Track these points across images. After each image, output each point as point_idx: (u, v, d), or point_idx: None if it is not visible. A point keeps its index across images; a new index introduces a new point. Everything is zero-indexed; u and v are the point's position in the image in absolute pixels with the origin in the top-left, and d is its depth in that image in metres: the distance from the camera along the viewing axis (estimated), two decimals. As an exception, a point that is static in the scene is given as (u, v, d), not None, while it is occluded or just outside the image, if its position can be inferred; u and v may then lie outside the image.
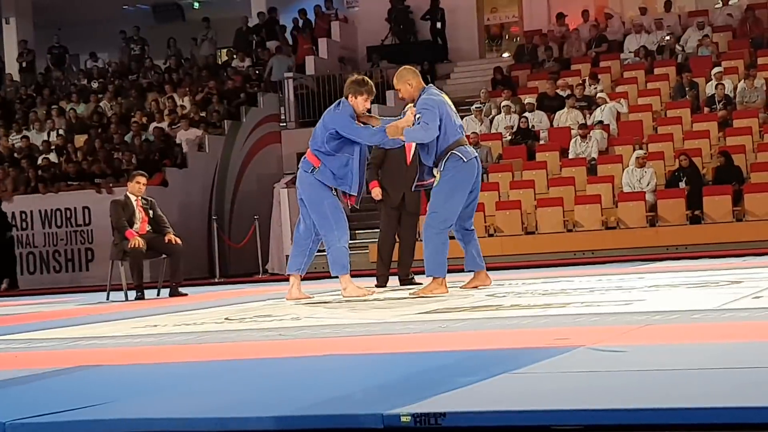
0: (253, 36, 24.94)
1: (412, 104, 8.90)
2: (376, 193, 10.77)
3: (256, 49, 24.65)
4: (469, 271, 9.27)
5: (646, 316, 5.88)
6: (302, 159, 9.30)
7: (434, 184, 8.82)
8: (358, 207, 9.45)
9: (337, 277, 9.23)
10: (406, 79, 8.86)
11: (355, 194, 8.97)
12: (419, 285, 9.78)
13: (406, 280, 10.62)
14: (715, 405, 3.09)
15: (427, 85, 9.02)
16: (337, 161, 8.91)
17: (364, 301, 8.75)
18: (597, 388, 3.58)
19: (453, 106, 8.95)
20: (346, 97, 8.93)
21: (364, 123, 8.92)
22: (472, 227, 9.12)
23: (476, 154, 8.93)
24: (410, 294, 8.96)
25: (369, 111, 9.09)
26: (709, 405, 3.10)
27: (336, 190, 9.09)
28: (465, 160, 8.68)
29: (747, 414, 3.02)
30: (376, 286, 10.48)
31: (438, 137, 8.65)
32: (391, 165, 10.64)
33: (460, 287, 9.13)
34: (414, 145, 9.58)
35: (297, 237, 9.42)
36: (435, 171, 8.84)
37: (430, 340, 5.55)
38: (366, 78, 9.11)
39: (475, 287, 9.10)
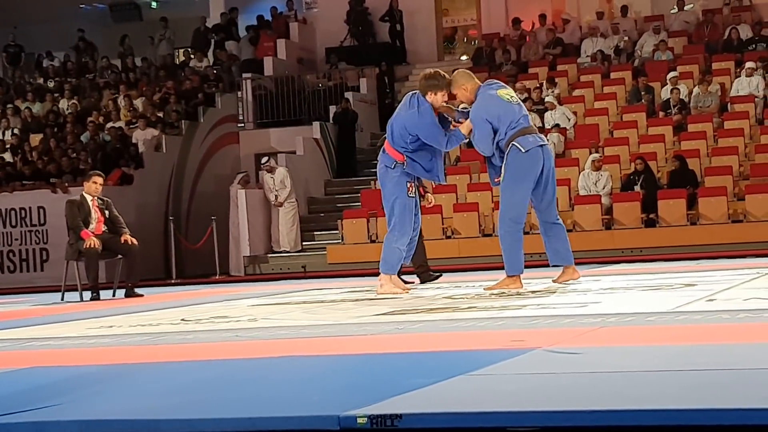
0: (213, 35, 24.84)
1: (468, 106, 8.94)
2: None
3: (215, 49, 24.57)
4: (555, 266, 9.12)
5: (601, 318, 5.92)
6: (381, 153, 9.28)
7: (501, 182, 8.74)
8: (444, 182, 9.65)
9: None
10: (461, 84, 8.86)
11: (444, 182, 9.28)
12: (411, 284, 10.02)
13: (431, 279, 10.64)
14: (669, 407, 3.12)
15: (482, 84, 8.91)
16: (424, 157, 9.00)
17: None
18: (553, 389, 3.60)
19: (513, 96, 8.86)
20: (424, 95, 8.91)
21: (442, 115, 8.95)
22: (557, 220, 8.91)
23: (542, 143, 8.75)
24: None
25: (446, 103, 9.09)
26: (663, 407, 3.12)
27: (416, 187, 9.14)
28: (523, 150, 8.54)
29: (700, 416, 3.04)
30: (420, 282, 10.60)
31: (496, 134, 8.62)
32: None
33: (552, 281, 9.01)
34: None
35: None
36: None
37: (386, 341, 5.55)
38: (439, 71, 9.05)
39: (564, 281, 8.93)
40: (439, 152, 9.09)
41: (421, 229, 9.98)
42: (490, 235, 17.41)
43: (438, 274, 10.91)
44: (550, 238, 8.90)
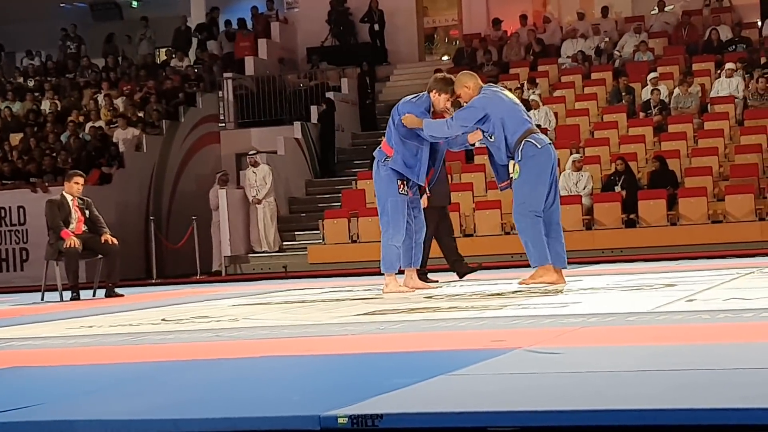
0: (198, 34, 24.79)
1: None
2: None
3: (197, 48, 24.51)
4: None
5: (581, 318, 5.93)
6: (377, 150, 9.39)
7: (514, 177, 8.80)
8: (428, 194, 9.56)
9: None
10: (463, 83, 8.99)
11: (423, 184, 9.18)
12: (435, 282, 10.07)
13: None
14: (649, 407, 3.13)
15: (484, 85, 9.06)
16: (408, 150, 9.06)
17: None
18: (533, 389, 3.60)
19: (516, 100, 9.02)
20: (429, 92, 9.08)
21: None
22: (559, 222, 8.98)
23: (549, 142, 8.90)
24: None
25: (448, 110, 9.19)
26: (643, 407, 3.13)
27: (406, 185, 9.17)
28: (539, 146, 8.68)
29: (680, 416, 3.05)
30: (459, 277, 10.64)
31: (505, 132, 8.69)
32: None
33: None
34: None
35: None
36: (511, 164, 8.84)
37: (367, 341, 5.55)
38: (452, 77, 9.24)
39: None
40: (425, 152, 9.10)
41: (450, 226, 10.13)
42: (472, 236, 17.46)
43: (476, 265, 10.83)
44: (551, 240, 8.94)
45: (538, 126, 19.05)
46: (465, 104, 9.05)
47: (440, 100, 9.05)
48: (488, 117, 8.74)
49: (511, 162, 8.85)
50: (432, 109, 9.09)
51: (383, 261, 9.22)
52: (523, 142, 8.67)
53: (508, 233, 17.15)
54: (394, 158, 9.08)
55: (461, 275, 10.68)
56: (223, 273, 19.03)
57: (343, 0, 24.29)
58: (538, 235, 8.71)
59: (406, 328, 6.06)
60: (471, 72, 9.29)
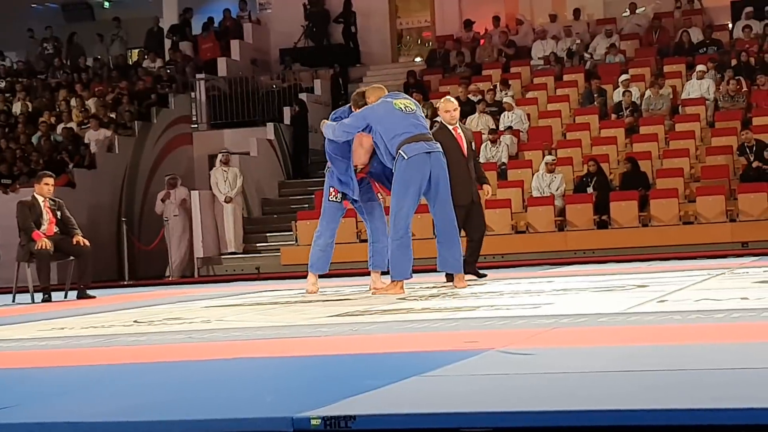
0: (173, 36, 24.70)
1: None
2: None
3: (170, 49, 24.43)
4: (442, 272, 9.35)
5: (554, 319, 5.95)
6: None
7: None
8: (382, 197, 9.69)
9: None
10: (368, 95, 9.27)
11: (357, 198, 9.39)
12: (484, 276, 10.35)
13: (473, 274, 10.58)
14: (621, 407, 3.14)
15: (387, 94, 9.27)
16: (338, 167, 9.36)
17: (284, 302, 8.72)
18: (506, 390, 3.61)
19: (409, 107, 9.04)
20: (350, 108, 9.47)
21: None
22: (446, 227, 9.06)
23: (429, 150, 8.87)
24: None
25: None
26: (615, 407, 3.15)
27: (342, 193, 9.46)
28: (406, 157, 8.75)
29: (652, 416, 3.07)
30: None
31: (384, 141, 8.83)
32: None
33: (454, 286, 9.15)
34: (464, 137, 10.18)
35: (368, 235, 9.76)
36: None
37: (340, 343, 5.55)
38: (364, 91, 9.51)
39: (454, 288, 9.10)
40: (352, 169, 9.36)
41: (475, 225, 10.31)
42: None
43: (483, 274, 10.86)
44: (440, 246, 9.11)
45: (510, 128, 19.27)
46: None
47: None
48: (369, 126, 8.95)
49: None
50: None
51: (310, 260, 9.65)
52: (397, 154, 8.82)
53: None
54: (329, 174, 9.51)
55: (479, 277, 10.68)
56: (196, 274, 18.97)
57: (317, 1, 24.27)
58: (403, 250, 8.84)
59: (380, 329, 6.06)
60: (380, 86, 9.51)
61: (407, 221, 8.89)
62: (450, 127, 10.19)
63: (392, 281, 8.98)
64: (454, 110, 10.26)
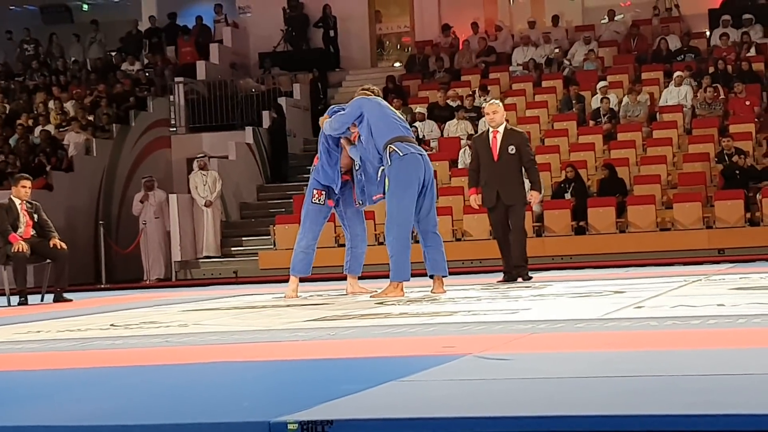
0: (155, 38, 24.64)
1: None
2: (473, 200, 10.76)
3: (148, 52, 24.37)
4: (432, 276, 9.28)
5: (531, 324, 5.96)
6: None
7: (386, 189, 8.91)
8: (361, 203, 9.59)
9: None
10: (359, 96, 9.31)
11: (338, 193, 9.43)
12: (530, 279, 10.45)
13: (520, 275, 10.61)
14: (597, 413, 3.15)
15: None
16: (326, 158, 9.37)
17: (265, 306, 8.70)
18: (483, 395, 3.62)
19: (397, 113, 9.26)
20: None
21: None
22: (435, 230, 9.07)
23: (420, 152, 8.92)
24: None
25: None
26: (592, 413, 3.16)
27: (325, 195, 9.46)
28: (401, 153, 8.76)
29: (627, 422, 3.08)
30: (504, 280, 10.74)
31: (373, 135, 8.87)
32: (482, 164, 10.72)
33: (431, 292, 9.11)
34: (499, 140, 10.41)
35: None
36: (379, 170, 8.97)
37: (317, 347, 5.54)
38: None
39: (437, 293, 9.06)
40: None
41: (514, 227, 10.47)
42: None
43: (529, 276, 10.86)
44: (429, 249, 9.09)
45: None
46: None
47: None
48: (362, 116, 8.99)
49: (380, 168, 8.97)
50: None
51: (291, 263, 9.63)
52: (388, 150, 8.81)
53: (459, 239, 17.20)
54: (317, 167, 9.50)
55: (514, 279, 10.71)
56: (173, 278, 18.92)
57: (297, 6, 24.27)
58: (403, 251, 8.83)
59: (357, 334, 6.06)
60: (369, 89, 9.51)
61: (409, 222, 8.83)
62: (490, 131, 10.49)
63: (391, 282, 8.89)
64: (494, 113, 10.52)
